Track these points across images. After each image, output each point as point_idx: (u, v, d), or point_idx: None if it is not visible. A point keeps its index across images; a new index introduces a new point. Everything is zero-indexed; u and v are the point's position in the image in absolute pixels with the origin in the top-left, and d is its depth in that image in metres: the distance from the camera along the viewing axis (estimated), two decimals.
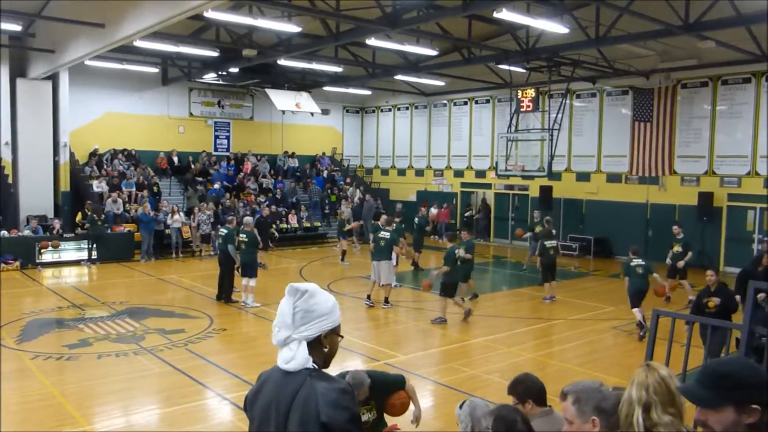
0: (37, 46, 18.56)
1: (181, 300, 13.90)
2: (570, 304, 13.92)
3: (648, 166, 19.77)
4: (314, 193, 26.06)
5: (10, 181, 19.78)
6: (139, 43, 16.27)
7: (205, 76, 23.12)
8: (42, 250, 17.68)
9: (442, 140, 26.95)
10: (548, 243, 14.30)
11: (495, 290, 16.27)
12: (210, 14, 13.10)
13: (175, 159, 24.05)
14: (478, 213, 25.49)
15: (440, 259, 13.09)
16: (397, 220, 15.46)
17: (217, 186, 23.05)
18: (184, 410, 7.50)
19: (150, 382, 8.58)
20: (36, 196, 19.76)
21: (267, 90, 24.17)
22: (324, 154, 28.92)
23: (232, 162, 25.58)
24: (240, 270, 13.23)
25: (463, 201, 25.94)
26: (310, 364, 2.33)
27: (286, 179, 26.61)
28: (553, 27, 14.54)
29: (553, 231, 15.35)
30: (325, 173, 27.90)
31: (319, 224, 24.64)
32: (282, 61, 19.76)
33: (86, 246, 18.46)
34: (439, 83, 23.94)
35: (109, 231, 19.04)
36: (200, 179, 23.77)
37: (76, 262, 18.23)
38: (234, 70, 21.75)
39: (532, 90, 19.95)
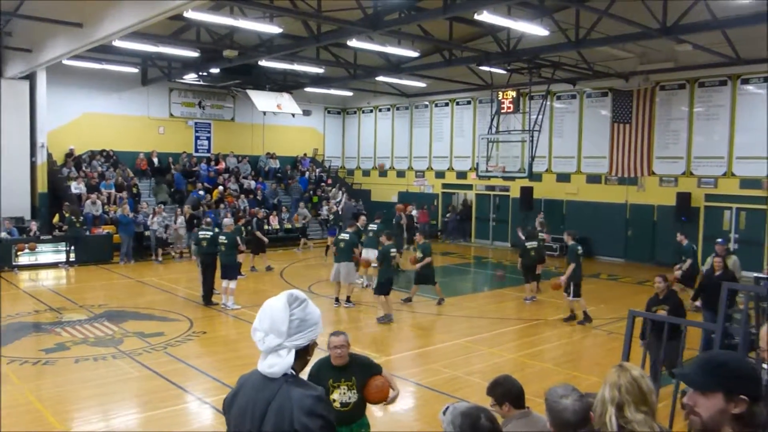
0: (13, 45, 18.32)
1: (161, 303, 13.77)
2: (550, 304, 14.01)
3: (627, 167, 19.98)
4: (295, 190, 26.00)
5: None
6: (118, 43, 16.09)
7: (186, 77, 22.93)
8: (18, 253, 17.42)
9: (424, 141, 27.01)
10: (529, 244, 14.39)
11: (476, 291, 16.34)
12: (190, 14, 12.98)
13: (155, 160, 23.85)
14: (447, 215, 25.44)
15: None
16: (377, 221, 15.52)
17: (201, 191, 22.84)
18: (163, 414, 7.44)
19: (129, 386, 8.49)
20: (12, 197, 19.43)
21: (248, 91, 24.05)
22: (305, 155, 28.85)
23: (213, 163, 25.44)
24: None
25: (444, 202, 26.01)
26: (290, 371, 2.34)
27: (268, 180, 26.49)
28: (533, 29, 14.65)
29: (541, 233, 15.36)
30: (308, 174, 27.82)
31: (299, 226, 24.52)
32: (263, 62, 19.68)
33: (64, 248, 18.24)
34: (420, 84, 24.00)
35: (87, 233, 18.82)
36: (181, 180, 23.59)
37: (54, 265, 17.99)
38: (215, 70, 21.61)
39: (513, 91, 20.07)
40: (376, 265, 14.82)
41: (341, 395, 4.76)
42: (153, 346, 10.16)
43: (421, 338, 11.18)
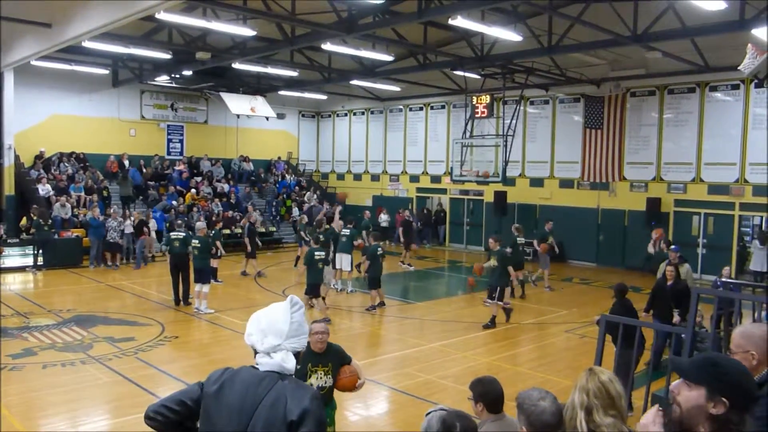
0: None
1: (132, 307, 13.57)
2: (524, 308, 14.11)
3: (599, 172, 20.24)
4: (269, 192, 25.86)
5: None
6: (88, 44, 15.86)
7: (158, 79, 22.67)
8: None
9: (398, 145, 27.05)
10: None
11: (450, 295, 16.38)
12: (162, 15, 12.84)
13: (126, 162, 23.51)
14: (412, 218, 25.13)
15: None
16: (350, 225, 15.49)
17: (172, 196, 22.60)
18: (133, 421, 7.29)
19: (98, 392, 8.34)
20: None
21: (221, 93, 23.88)
22: (279, 158, 28.70)
23: (186, 165, 25.18)
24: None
25: (418, 206, 26.05)
26: (286, 367, 2.40)
27: (241, 184, 26.29)
28: (507, 35, 14.78)
29: (518, 238, 15.18)
30: (287, 177, 27.69)
31: (274, 229, 24.42)
32: (237, 65, 19.55)
33: (31, 252, 17.87)
34: (394, 89, 24.05)
35: (56, 236, 18.46)
36: (152, 183, 23.30)
37: (21, 269, 17.61)
38: (187, 72, 21.41)
39: (487, 96, 20.21)
40: (350, 270, 14.90)
41: (318, 379, 5.09)
42: (123, 351, 10.00)
43: (395, 342, 11.17)
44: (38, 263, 17.74)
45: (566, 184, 21.54)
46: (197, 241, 13.02)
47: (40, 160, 21.47)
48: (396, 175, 27.18)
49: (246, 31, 14.93)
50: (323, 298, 13.23)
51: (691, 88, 18.53)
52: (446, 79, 22.01)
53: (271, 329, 2.41)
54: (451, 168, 22.35)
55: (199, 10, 14.74)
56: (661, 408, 2.17)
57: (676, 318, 8.65)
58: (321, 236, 13.58)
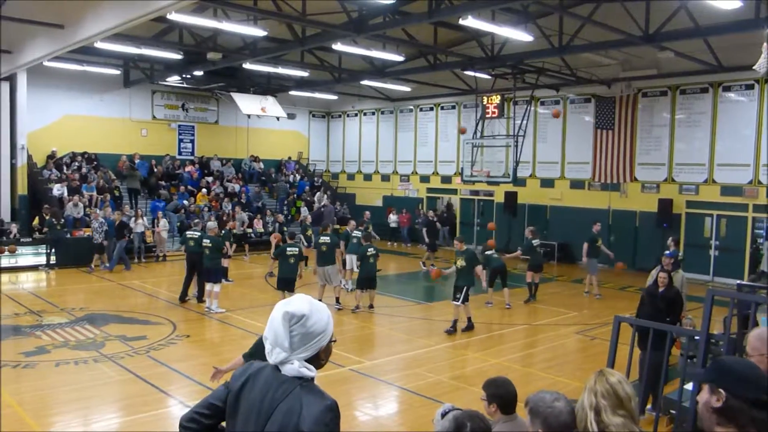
0: None
1: (143, 306, 13.64)
2: (534, 309, 14.09)
3: (610, 172, 20.14)
4: (281, 190, 25.95)
5: None
6: (100, 45, 15.96)
7: (169, 79, 22.79)
8: None
9: (408, 145, 27.05)
10: (488, 253, 14.10)
11: None
12: (173, 16, 12.90)
13: (138, 162, 23.64)
14: (418, 220, 24.48)
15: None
16: (360, 227, 15.66)
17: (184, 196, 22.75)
18: (145, 419, 7.36)
19: (110, 390, 8.39)
20: None
21: (232, 94, 23.96)
22: (290, 158, 28.77)
23: (197, 165, 25.30)
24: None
25: (429, 206, 26.02)
26: (311, 376, 2.34)
27: (252, 184, 26.39)
28: (517, 35, 14.73)
29: (533, 241, 14.99)
30: (299, 178, 27.76)
31: (286, 229, 24.44)
32: (247, 65, 19.61)
33: (44, 251, 18.01)
34: (405, 89, 24.05)
35: (68, 235, 18.60)
36: (164, 183, 23.43)
37: (34, 267, 17.76)
38: (198, 73, 21.51)
39: (497, 96, 20.18)
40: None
41: None
42: (135, 350, 10.05)
43: (405, 343, 11.16)
44: (51, 262, 17.87)
45: (577, 184, 21.46)
46: (208, 241, 13.08)
47: (52, 160, 21.63)
48: (406, 176, 27.17)
49: (257, 32, 14.97)
50: (336, 299, 13.32)
51: (704, 88, 18.40)
52: (457, 79, 21.99)
53: (276, 343, 2.34)
54: (462, 168, 22.32)
55: (210, 11, 14.81)
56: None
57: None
58: (322, 237, 13.74)
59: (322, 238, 13.70)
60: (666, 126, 19.26)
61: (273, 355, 2.35)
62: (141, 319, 12.29)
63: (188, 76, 22.41)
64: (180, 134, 25.78)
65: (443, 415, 3.22)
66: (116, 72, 22.32)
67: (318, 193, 26.63)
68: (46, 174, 21.11)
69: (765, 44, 8.25)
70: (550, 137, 22.20)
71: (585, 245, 15.34)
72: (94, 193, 21.03)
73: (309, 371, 2.33)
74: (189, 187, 23.64)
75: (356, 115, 29.32)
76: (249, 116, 24.55)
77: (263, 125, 27.09)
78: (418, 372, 9.38)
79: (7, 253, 17.26)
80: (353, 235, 15.25)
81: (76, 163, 22.32)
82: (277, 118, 25.18)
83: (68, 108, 22.46)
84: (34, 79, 20.30)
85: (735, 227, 17.90)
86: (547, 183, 22.28)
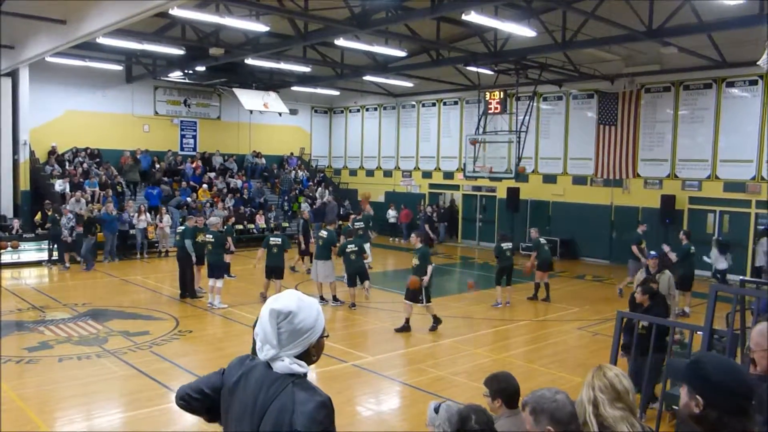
0: None
1: (146, 301, 13.68)
2: (536, 305, 14.08)
3: (612, 168, 20.10)
4: (285, 182, 25.98)
5: None
6: (102, 40, 15.96)
7: (171, 75, 22.76)
8: (0, 251, 17.22)
9: (411, 141, 27.03)
10: (504, 245, 13.82)
11: (462, 291, 16.34)
12: (176, 12, 12.90)
13: (140, 156, 23.66)
14: (419, 216, 24.50)
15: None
16: (358, 218, 16.29)
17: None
18: (148, 414, 7.38)
19: (113, 386, 8.41)
20: None
21: (234, 89, 23.94)
22: (292, 154, 28.76)
23: (199, 161, 25.31)
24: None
25: (431, 202, 26.01)
26: (302, 372, 2.32)
27: (254, 179, 26.39)
28: (520, 30, 14.69)
29: (540, 239, 14.62)
30: (301, 174, 27.76)
31: (287, 225, 24.44)
32: (250, 61, 19.59)
33: (47, 246, 18.03)
34: (407, 84, 24.01)
35: None
36: (166, 179, 23.43)
37: (37, 263, 17.79)
38: (201, 68, 21.47)
39: (500, 92, 20.13)
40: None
41: None
42: (138, 345, 10.07)
43: (406, 338, 11.17)
44: (53, 258, 17.89)
45: (579, 180, 21.42)
46: (211, 236, 13.09)
47: (53, 156, 21.64)
48: (408, 171, 27.16)
49: (259, 27, 14.95)
50: (333, 296, 13.35)
51: (708, 84, 18.34)
52: (459, 74, 21.94)
53: (265, 340, 2.33)
54: (464, 164, 22.29)
55: (212, 6, 14.80)
56: None
57: None
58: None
59: (321, 232, 13.78)
60: (669, 122, 19.21)
61: (263, 352, 2.34)
62: (144, 314, 12.32)
63: (190, 72, 22.37)
64: (182, 130, 25.78)
65: (436, 409, 3.21)
66: (118, 67, 22.32)
67: (319, 189, 26.63)
68: (48, 170, 21.13)
69: None
70: (552, 133, 22.17)
71: (633, 247, 14.55)
72: (97, 189, 21.05)
73: (300, 368, 2.31)
74: (191, 183, 23.64)
75: (358, 110, 29.30)
76: (251, 112, 24.52)
77: (265, 121, 27.08)
78: (421, 367, 9.39)
79: (9, 248, 17.28)
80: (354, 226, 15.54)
81: (79, 159, 22.34)
82: (280, 114, 25.16)
83: (70, 104, 22.47)
84: (36, 75, 20.29)
85: (738, 223, 17.86)
86: (550, 179, 22.25)
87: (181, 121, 25.69)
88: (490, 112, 20.44)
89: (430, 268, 11.36)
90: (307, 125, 29.90)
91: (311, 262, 14.75)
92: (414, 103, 26.76)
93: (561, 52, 17.41)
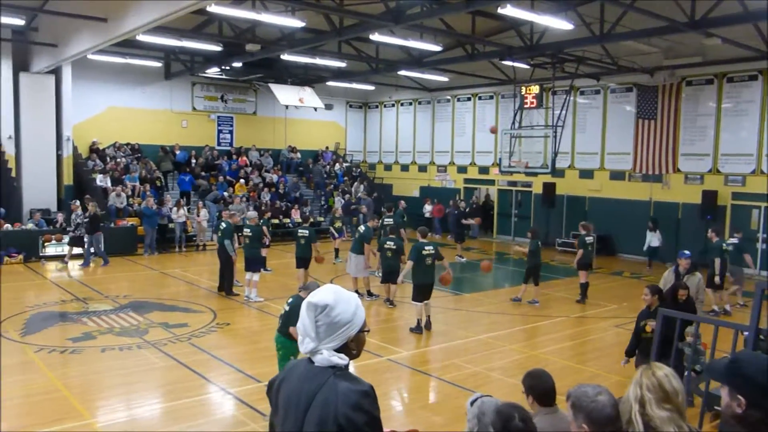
0: (39, 41, 18.56)
1: (185, 294, 13.92)
2: (572, 301, 13.92)
3: (651, 163, 19.72)
4: (317, 174, 26.15)
5: (13, 174, 19.83)
6: (142, 38, 16.25)
7: (208, 71, 23.09)
8: (45, 244, 17.71)
9: (446, 136, 26.92)
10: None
11: (497, 287, 16.25)
12: (213, 9, 13.07)
13: (178, 153, 24.07)
14: (447, 210, 23.94)
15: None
16: (389, 213, 16.56)
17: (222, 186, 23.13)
18: (187, 404, 7.52)
19: (153, 376, 8.59)
20: (39, 189, 19.78)
21: (270, 85, 24.15)
22: (327, 148, 28.90)
23: (235, 156, 25.64)
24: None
25: (466, 197, 25.89)
26: (342, 364, 2.35)
27: (289, 174, 26.62)
28: (557, 23, 14.48)
29: (586, 237, 13.99)
30: (337, 167, 27.91)
31: (322, 219, 24.61)
32: (285, 56, 19.72)
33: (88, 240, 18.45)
34: (442, 79, 23.90)
35: (111, 225, 19.05)
36: (203, 174, 23.79)
37: (80, 256, 18.22)
38: (237, 64, 21.72)
39: (536, 86, 19.91)
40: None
41: None
42: (177, 337, 10.27)
43: (441, 334, 11.15)
44: (92, 250, 18.29)
45: (617, 175, 21.07)
46: (249, 230, 13.25)
47: (94, 151, 22.15)
48: (443, 166, 27.06)
49: (294, 23, 15.03)
50: (368, 291, 13.41)
51: (753, 75, 17.82)
52: (494, 69, 21.76)
53: (305, 332, 2.37)
54: (500, 159, 22.12)
55: (249, 3, 14.92)
56: None
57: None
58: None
59: (360, 227, 14.24)
60: (711, 115, 18.75)
61: (303, 345, 2.38)
62: (182, 306, 12.55)
63: (227, 68, 22.65)
64: (219, 125, 26.13)
65: (472, 402, 3.21)
66: (157, 64, 22.71)
67: (355, 184, 26.71)
68: (90, 165, 21.64)
69: None
70: (589, 127, 21.84)
71: (746, 256, 13.51)
72: (137, 184, 21.50)
73: (340, 359, 2.34)
74: (227, 178, 23.96)
75: (393, 105, 29.29)
76: (287, 107, 24.72)
77: (301, 116, 27.26)
78: (456, 363, 9.37)
79: (53, 241, 17.76)
80: (385, 223, 15.63)
81: (121, 154, 22.83)
82: (315, 109, 25.31)
83: (111, 100, 22.94)
84: (78, 72, 20.79)
85: None
86: (587, 174, 21.93)
87: (218, 117, 26.03)
88: (526, 106, 20.23)
89: (403, 258, 12.14)
90: (342, 120, 30.01)
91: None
92: (449, 97, 26.64)
93: (599, 45, 17.11)
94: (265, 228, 14.96)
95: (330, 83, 25.48)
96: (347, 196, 25.15)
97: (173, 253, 19.58)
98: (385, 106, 29.70)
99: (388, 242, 12.86)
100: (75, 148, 21.32)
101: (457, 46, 19.94)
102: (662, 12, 13.89)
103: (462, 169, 26.32)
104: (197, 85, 25.22)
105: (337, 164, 28.18)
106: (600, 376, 8.69)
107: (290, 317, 6.60)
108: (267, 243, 15.31)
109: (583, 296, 13.83)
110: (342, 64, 22.65)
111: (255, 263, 13.21)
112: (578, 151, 22.16)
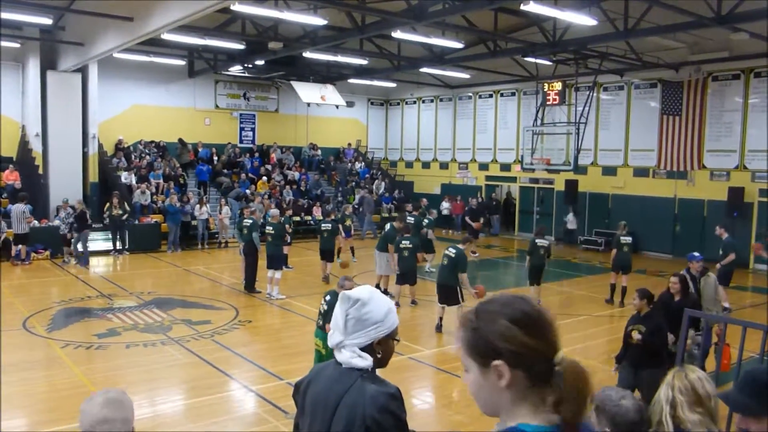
0: (67, 39, 18.82)
1: (207, 291, 14.06)
2: (595, 300, 13.80)
3: (676, 160, 19.47)
4: (340, 171, 26.20)
5: (40, 171, 20.15)
6: (166, 36, 16.40)
7: (231, 69, 23.25)
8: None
9: (467, 133, 26.82)
10: (539, 242, 13.11)
11: (519, 285, 16.16)
12: (236, 7, 13.17)
13: (201, 150, 24.29)
14: (465, 207, 23.80)
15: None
16: (415, 213, 16.45)
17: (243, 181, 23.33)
18: (209, 401, 7.60)
19: (177, 373, 8.70)
20: (65, 186, 20.07)
21: (292, 82, 24.24)
22: (349, 145, 28.95)
23: (257, 154, 25.79)
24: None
25: (488, 194, 25.78)
26: (364, 365, 2.34)
27: (311, 171, 26.72)
28: (580, 19, 14.34)
29: (622, 237, 13.57)
30: (358, 165, 27.96)
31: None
32: (307, 54, 19.78)
33: (113, 237, 18.72)
34: (464, 76, 23.81)
35: (135, 221, 19.31)
36: (226, 171, 23.98)
37: (105, 252, 18.50)
38: (260, 62, 21.84)
39: (559, 83, 19.76)
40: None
41: None
42: (200, 334, 10.38)
43: None
44: (117, 247, 18.58)
45: (641, 172, 20.83)
46: (271, 228, 13.31)
47: (121, 149, 22.43)
48: (465, 163, 26.97)
49: (317, 21, 15.08)
50: (384, 290, 13.37)
51: None
52: (517, 65, 21.61)
53: (336, 324, 2.38)
54: (522, 156, 21.98)
55: (272, 1, 15.01)
56: None
57: (670, 337, 6.85)
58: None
59: (386, 225, 14.45)
60: (738, 111, 18.44)
61: (332, 338, 2.40)
62: (205, 303, 12.68)
63: (250, 66, 22.78)
64: (241, 123, 26.30)
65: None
66: (181, 62, 22.93)
67: (376, 182, 26.74)
68: (115, 162, 21.93)
69: None
70: (612, 124, 21.61)
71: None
72: (161, 181, 21.74)
73: (362, 360, 2.33)
74: (250, 175, 24.12)
75: (415, 102, 29.24)
76: (308, 104, 24.81)
77: (322, 113, 27.34)
78: None
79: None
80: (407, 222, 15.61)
81: (146, 151, 23.11)
82: (336, 106, 25.35)
83: (136, 98, 23.21)
84: (104, 71, 21.05)
85: None
86: (610, 171, 21.71)
87: (240, 114, 26.21)
88: (548, 103, 20.09)
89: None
90: (364, 117, 30.04)
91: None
92: (471, 94, 26.52)
93: (623, 41, 16.91)
94: (287, 225, 15.05)
95: (351, 81, 25.51)
96: (370, 194, 25.17)
97: (196, 250, 19.79)
98: (406, 104, 29.67)
99: (404, 241, 12.54)
100: (100, 146, 21.61)
101: (479, 43, 19.85)
102: (688, 7, 13.70)
103: (483, 167, 26.21)
104: (220, 83, 25.42)
105: (357, 162, 28.19)
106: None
107: (327, 315, 6.69)
108: (288, 241, 15.41)
109: (617, 297, 13.42)
110: (364, 62, 22.66)
111: (277, 261, 13.28)
112: (601, 148, 21.95)
